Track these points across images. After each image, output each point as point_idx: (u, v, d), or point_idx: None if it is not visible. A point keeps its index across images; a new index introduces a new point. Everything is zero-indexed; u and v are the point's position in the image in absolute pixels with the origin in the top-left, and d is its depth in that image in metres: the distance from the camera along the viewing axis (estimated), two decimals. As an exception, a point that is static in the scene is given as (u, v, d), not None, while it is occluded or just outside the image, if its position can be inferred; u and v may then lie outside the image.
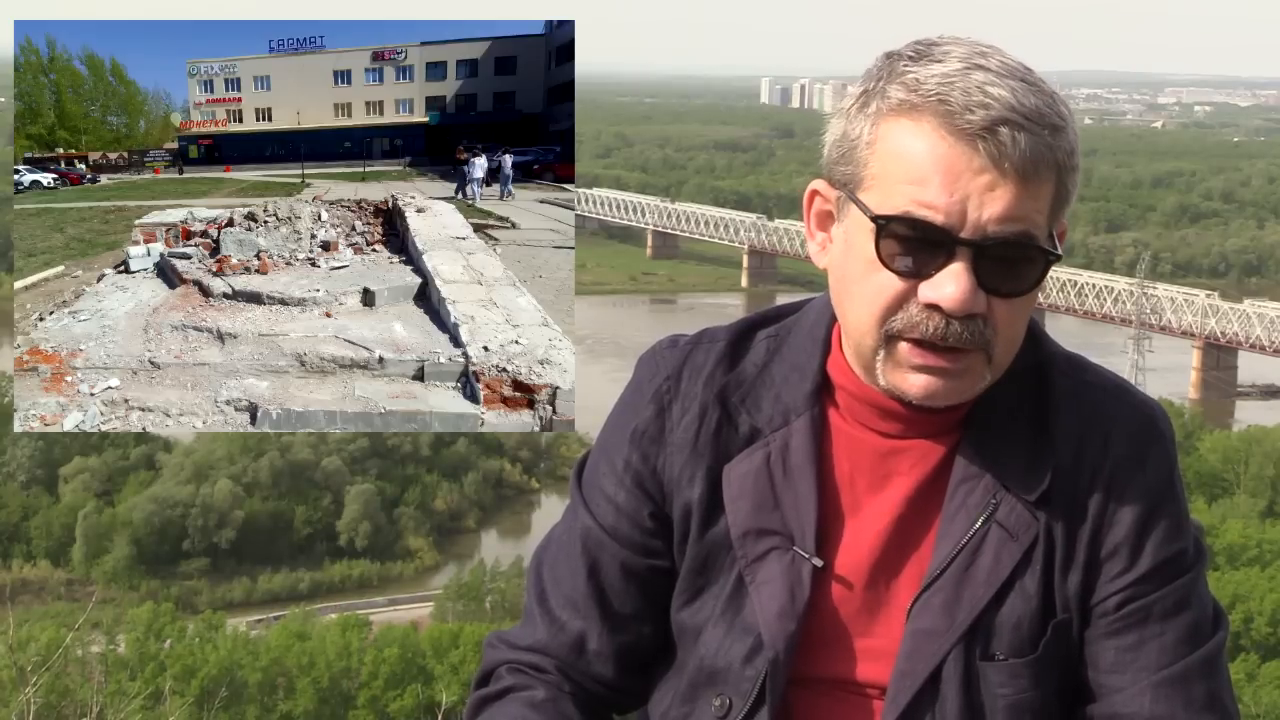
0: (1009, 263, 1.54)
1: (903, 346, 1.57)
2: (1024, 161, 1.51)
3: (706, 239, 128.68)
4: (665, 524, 1.75)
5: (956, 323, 1.54)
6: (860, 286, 1.59)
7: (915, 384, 1.58)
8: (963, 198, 1.52)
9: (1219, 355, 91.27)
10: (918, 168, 1.53)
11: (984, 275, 1.54)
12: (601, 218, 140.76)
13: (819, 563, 1.66)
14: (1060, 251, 1.59)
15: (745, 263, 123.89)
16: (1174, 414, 61.05)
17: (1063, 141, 1.55)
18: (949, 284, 1.53)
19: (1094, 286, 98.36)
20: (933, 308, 1.54)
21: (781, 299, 1.86)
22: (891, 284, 1.56)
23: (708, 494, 1.71)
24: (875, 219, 1.55)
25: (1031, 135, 1.51)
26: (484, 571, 50.65)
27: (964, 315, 1.54)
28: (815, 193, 1.67)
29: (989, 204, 1.52)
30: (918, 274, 1.55)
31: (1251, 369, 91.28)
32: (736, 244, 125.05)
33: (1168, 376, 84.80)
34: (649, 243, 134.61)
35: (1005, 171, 1.51)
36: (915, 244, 1.54)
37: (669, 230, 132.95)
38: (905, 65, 1.56)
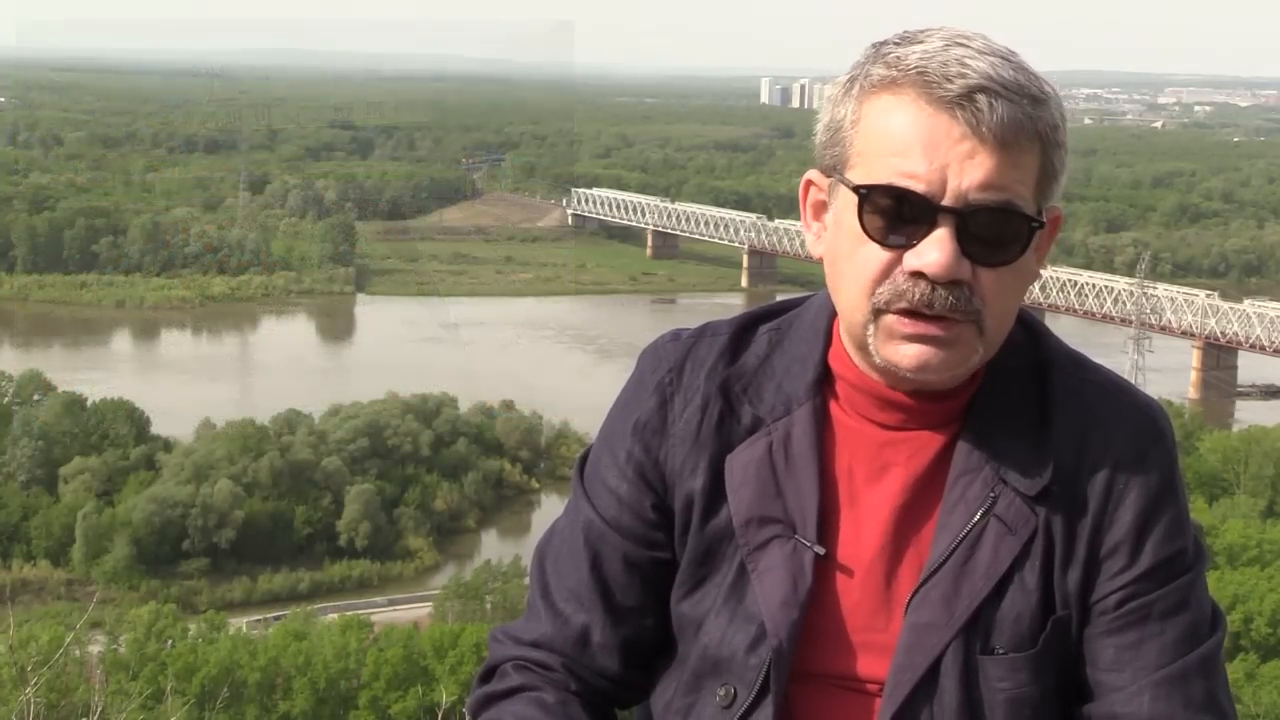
0: (992, 231, 1.56)
1: (891, 318, 1.59)
2: (1003, 128, 1.53)
3: (706, 239, 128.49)
4: (667, 516, 1.76)
5: (942, 289, 1.56)
6: (849, 263, 1.61)
7: (907, 354, 1.59)
8: (942, 165, 1.54)
9: (1219, 355, 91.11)
10: (899, 139, 1.56)
11: (967, 243, 1.56)
12: (601, 218, 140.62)
13: (821, 551, 1.67)
14: (1044, 220, 1.60)
15: (745, 263, 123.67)
16: (1174, 414, 61.00)
17: (1045, 114, 1.57)
18: (932, 250, 1.55)
19: (1094, 286, 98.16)
20: (917, 275, 1.56)
21: (782, 299, 1.88)
22: (877, 256, 1.58)
23: (710, 485, 1.72)
24: (857, 189, 1.58)
25: (1010, 103, 1.54)
26: (487, 572, 50.61)
27: (948, 281, 1.55)
28: (810, 182, 1.69)
29: (969, 171, 1.54)
30: (901, 244, 1.57)
31: (1251, 369, 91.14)
32: (736, 244, 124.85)
33: (1168, 376, 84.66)
34: (649, 243, 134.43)
35: (984, 138, 1.54)
36: (897, 213, 1.56)
37: (669, 230, 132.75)
38: (888, 48, 1.60)
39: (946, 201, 1.54)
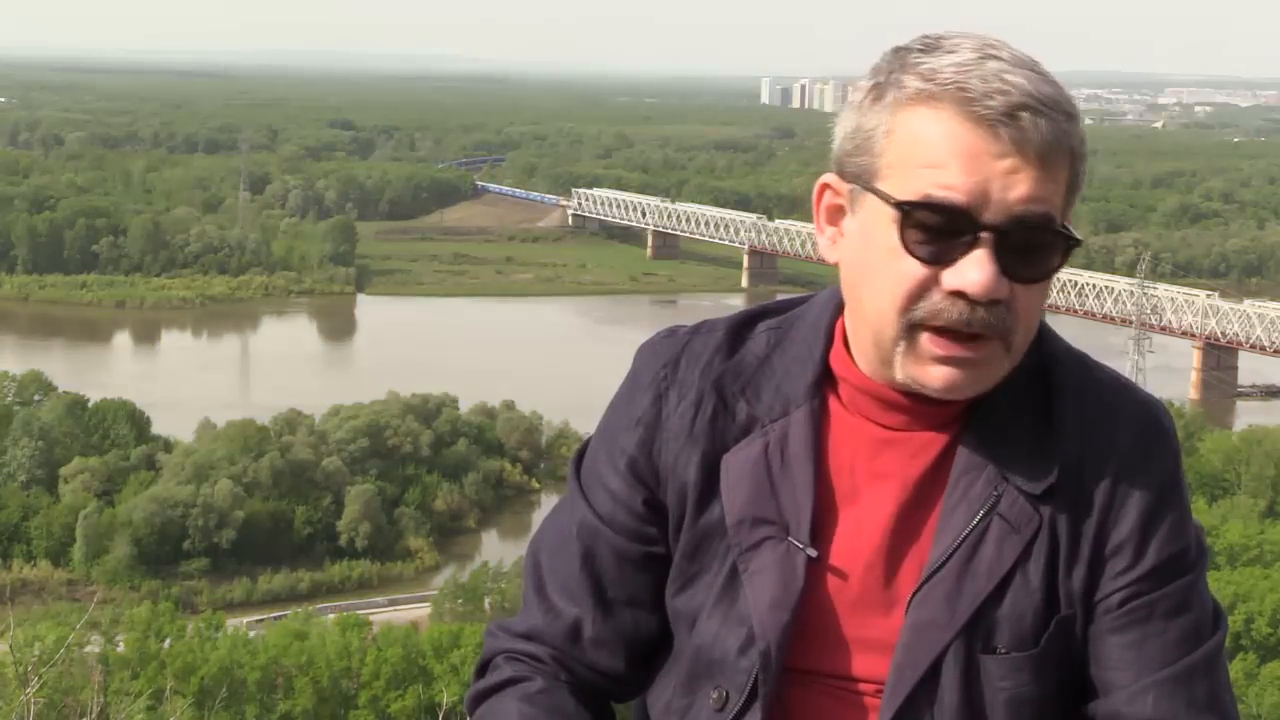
0: (1030, 247, 1.56)
1: (924, 337, 1.57)
2: (1045, 146, 1.53)
3: (707, 239, 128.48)
4: (660, 511, 1.75)
5: (981, 308, 1.54)
6: (880, 276, 1.58)
7: (936, 376, 1.58)
8: (983, 180, 1.52)
9: (1219, 355, 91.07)
10: (937, 152, 1.54)
11: (1006, 260, 1.54)
12: (601, 218, 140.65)
13: (813, 553, 1.65)
14: (1079, 237, 1.60)
15: (745, 263, 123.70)
16: (1174, 415, 60.71)
17: (1076, 129, 1.57)
18: (974, 269, 1.53)
19: (1094, 286, 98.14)
20: (957, 294, 1.54)
21: (782, 298, 1.88)
22: (914, 271, 1.55)
23: (703, 481, 1.71)
24: (899, 205, 1.55)
25: (1050, 121, 1.53)
26: (487, 572, 50.64)
27: (988, 301, 1.54)
28: (826, 186, 1.66)
29: (1012, 188, 1.53)
30: (941, 260, 1.55)
31: (1252, 369, 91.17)
32: (737, 244, 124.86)
33: (1168, 377, 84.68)
34: (649, 243, 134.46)
35: (1028, 156, 1.53)
36: (938, 229, 1.54)
37: (669, 230, 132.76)
38: (916, 57, 1.57)
39: (988, 218, 1.53)
